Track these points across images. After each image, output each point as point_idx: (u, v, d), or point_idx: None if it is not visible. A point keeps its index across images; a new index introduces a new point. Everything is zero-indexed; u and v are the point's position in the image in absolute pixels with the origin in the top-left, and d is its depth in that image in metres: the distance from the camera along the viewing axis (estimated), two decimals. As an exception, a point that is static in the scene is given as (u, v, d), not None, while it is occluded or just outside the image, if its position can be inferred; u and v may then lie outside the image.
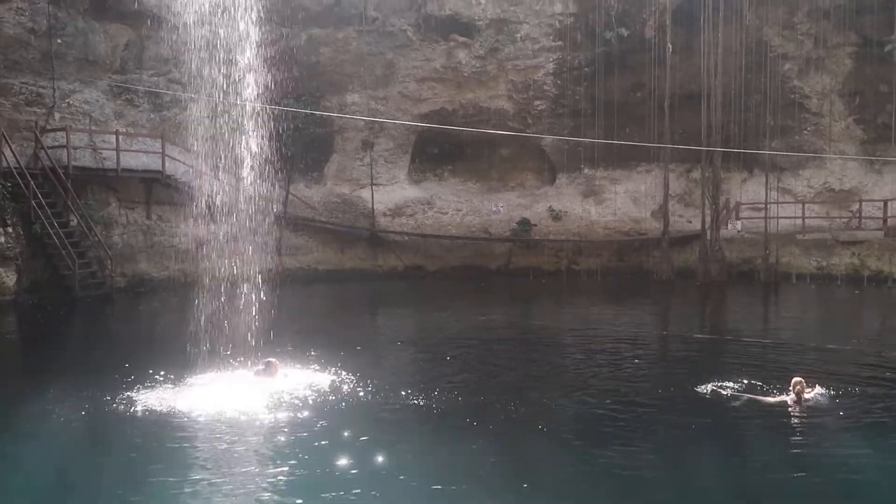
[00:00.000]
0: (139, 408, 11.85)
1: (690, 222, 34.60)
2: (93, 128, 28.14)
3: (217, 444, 10.30)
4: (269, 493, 8.75)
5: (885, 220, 31.83)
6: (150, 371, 13.79)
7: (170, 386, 13.08)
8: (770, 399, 12.38)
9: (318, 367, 14.35)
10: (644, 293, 29.67)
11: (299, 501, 8.49)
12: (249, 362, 13.99)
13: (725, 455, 10.13)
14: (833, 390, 12.73)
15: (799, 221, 32.98)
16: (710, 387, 13.09)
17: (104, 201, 27.84)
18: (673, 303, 28.48)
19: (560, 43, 34.82)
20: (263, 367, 13.36)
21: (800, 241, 32.45)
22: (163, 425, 11.13)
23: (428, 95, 35.83)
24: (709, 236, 31.85)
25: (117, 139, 27.12)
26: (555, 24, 34.68)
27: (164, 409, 11.74)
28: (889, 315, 25.47)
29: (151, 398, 12.29)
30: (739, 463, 9.83)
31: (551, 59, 35.24)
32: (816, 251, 32.11)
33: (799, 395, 12.12)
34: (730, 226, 34.14)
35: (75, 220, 25.95)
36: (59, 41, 27.28)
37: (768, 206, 32.20)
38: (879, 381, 14.20)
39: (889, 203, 31.74)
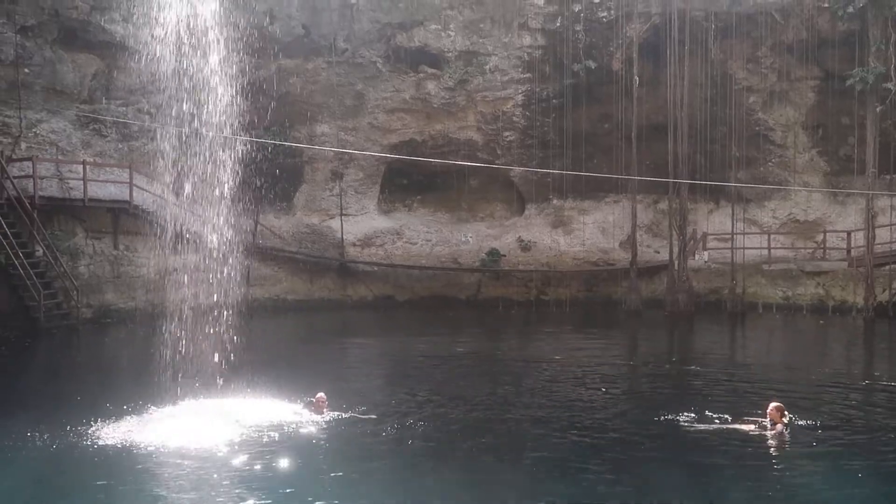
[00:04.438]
0: (100, 442, 11.68)
1: (658, 252, 34.87)
2: (60, 157, 27.91)
3: (181, 480, 10.18)
4: None
5: (848, 251, 32.28)
6: (113, 404, 13.65)
7: (132, 419, 12.93)
8: (745, 426, 12.48)
9: (285, 399, 14.26)
10: (613, 323, 29.79)
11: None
12: (214, 393, 13.90)
13: (698, 485, 10.19)
14: (802, 418, 12.87)
15: (765, 252, 33.37)
16: (681, 416, 13.18)
17: (70, 231, 27.57)
18: (641, 333, 28.60)
19: (529, 75, 35.09)
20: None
21: (766, 271, 32.80)
22: (123, 460, 10.97)
23: (397, 126, 35.93)
24: (676, 266, 32.08)
25: (84, 169, 26.86)
26: (523, 56, 34.96)
27: (125, 444, 11.58)
28: (853, 345, 25.78)
29: (113, 432, 12.14)
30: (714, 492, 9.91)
31: (520, 91, 35.49)
32: (782, 281, 32.48)
33: (775, 421, 12.21)
34: (697, 256, 34.47)
35: (41, 251, 25.67)
36: (26, 70, 27.07)
37: (735, 236, 32.54)
38: (845, 409, 14.36)
39: (852, 234, 32.13)
